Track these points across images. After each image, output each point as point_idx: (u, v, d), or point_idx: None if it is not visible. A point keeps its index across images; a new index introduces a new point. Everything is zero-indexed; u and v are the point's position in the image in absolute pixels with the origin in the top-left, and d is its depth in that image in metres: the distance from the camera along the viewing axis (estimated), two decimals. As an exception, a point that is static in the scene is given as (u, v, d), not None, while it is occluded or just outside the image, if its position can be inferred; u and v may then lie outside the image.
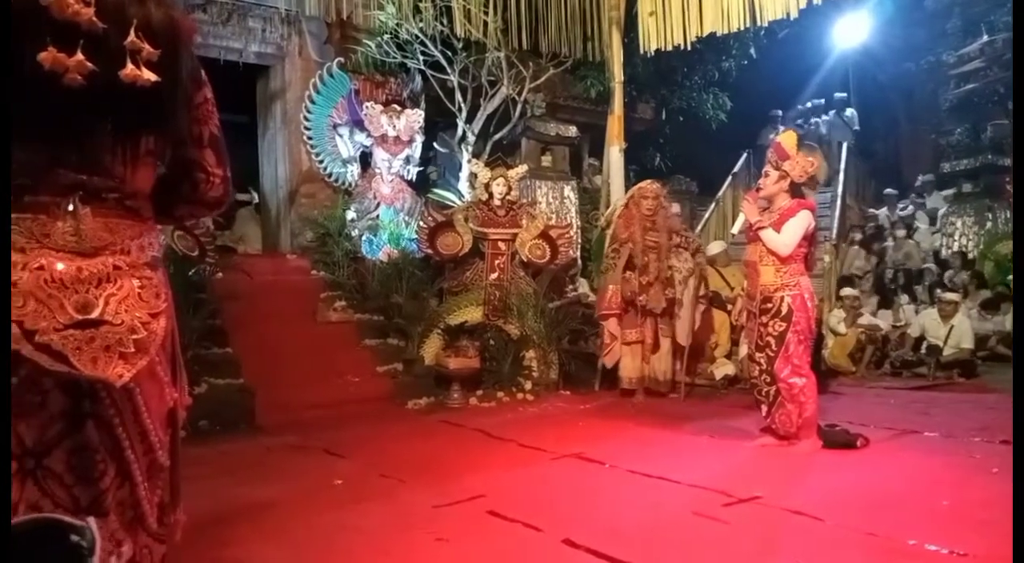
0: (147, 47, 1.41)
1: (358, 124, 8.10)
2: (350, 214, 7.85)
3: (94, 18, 1.35)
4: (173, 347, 1.60)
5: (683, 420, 5.19)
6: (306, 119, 8.15)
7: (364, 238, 7.73)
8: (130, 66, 1.39)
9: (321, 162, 8.22)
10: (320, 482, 3.72)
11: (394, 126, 8.02)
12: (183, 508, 1.66)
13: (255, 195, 8.85)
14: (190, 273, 6.01)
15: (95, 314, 1.37)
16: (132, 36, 1.39)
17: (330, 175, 8.25)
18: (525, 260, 7.16)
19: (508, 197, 7.20)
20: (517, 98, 8.82)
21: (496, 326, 6.78)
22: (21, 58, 1.30)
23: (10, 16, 1.29)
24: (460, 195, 8.49)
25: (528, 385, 6.52)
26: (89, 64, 1.33)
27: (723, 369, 6.70)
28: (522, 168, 7.63)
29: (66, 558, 0.95)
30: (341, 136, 8.19)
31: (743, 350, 5.52)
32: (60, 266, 1.37)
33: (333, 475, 3.84)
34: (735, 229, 4.77)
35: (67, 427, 1.38)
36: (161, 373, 1.53)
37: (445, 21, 7.93)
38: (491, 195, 7.17)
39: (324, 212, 8.00)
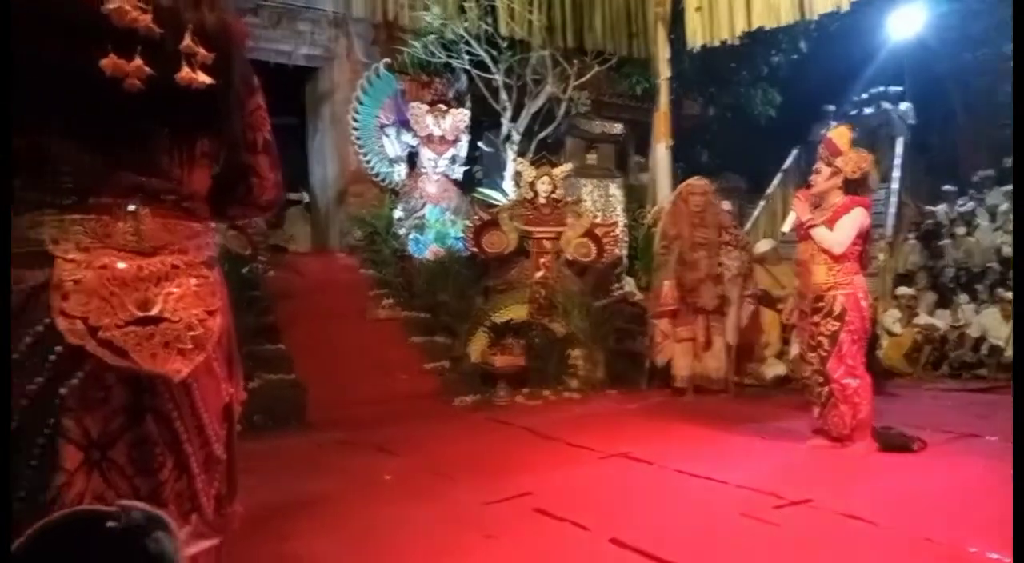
0: (201, 51, 1.44)
1: (404, 124, 8.19)
2: (397, 213, 7.93)
3: (151, 24, 1.39)
4: (229, 344, 1.63)
5: (733, 420, 5.12)
6: (354, 120, 8.26)
7: (411, 237, 7.81)
8: (185, 69, 1.43)
9: (368, 162, 8.32)
10: (371, 477, 3.78)
11: (439, 126, 8.08)
12: (239, 500, 1.70)
13: (305, 195, 9.01)
14: (243, 271, 6.15)
15: (154, 311, 1.41)
16: (187, 40, 1.43)
17: (377, 175, 8.35)
18: (570, 258, 7.14)
19: (553, 195, 7.20)
20: (562, 96, 8.80)
21: (541, 324, 6.78)
22: (83, 65, 1.34)
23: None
24: (505, 194, 8.51)
25: (574, 384, 6.51)
26: (147, 69, 1.38)
27: (773, 369, 6.59)
28: (567, 166, 7.62)
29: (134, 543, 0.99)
30: (388, 136, 8.28)
31: (794, 350, 5.42)
32: (121, 265, 1.40)
33: (383, 471, 3.89)
34: (786, 227, 4.69)
35: (128, 421, 1.41)
36: (217, 369, 1.56)
37: (490, 20, 7.96)
38: (536, 193, 7.17)
39: (371, 211, 8.09)
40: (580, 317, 6.73)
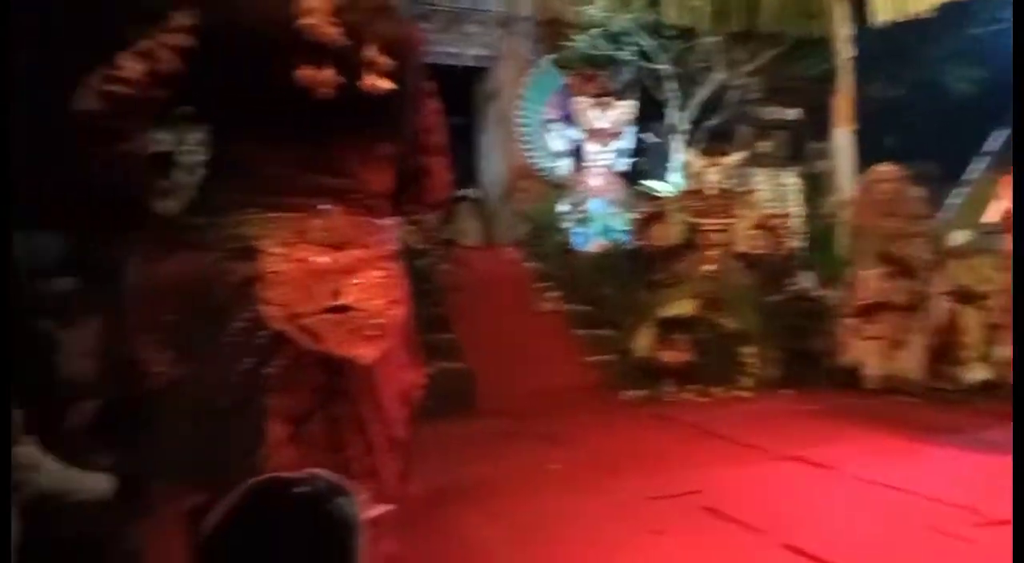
0: (383, 59, 1.54)
1: (569, 119, 8.23)
2: (562, 207, 8.00)
3: (340, 36, 1.50)
4: (410, 332, 1.74)
5: (925, 427, 4.69)
6: (519, 117, 8.42)
7: (575, 230, 7.85)
8: (369, 77, 1.53)
9: (533, 158, 8.45)
10: (536, 467, 3.85)
11: (604, 119, 8.05)
12: (416, 481, 1.80)
13: (474, 191, 9.33)
14: (418, 264, 6.46)
15: (344, 301, 1.52)
16: (371, 50, 1.53)
17: (542, 170, 8.46)
18: (741, 252, 6.87)
19: (723, 186, 6.96)
20: (732, 83, 8.46)
21: (710, 319, 6.58)
22: (280, 77, 1.47)
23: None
24: (672, 186, 8.34)
25: (745, 381, 6.26)
26: (337, 78, 1.49)
27: (975, 373, 5.96)
28: (737, 155, 7.33)
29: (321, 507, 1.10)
30: (553, 131, 8.37)
31: (1002, 352, 4.88)
32: (316, 258, 1.53)
33: (549, 461, 3.95)
34: (991, 216, 4.23)
35: (322, 400, 1.54)
36: (399, 356, 1.67)
37: (655, 9, 7.81)
38: (705, 184, 6.96)
39: (536, 206, 8.22)
40: (751, 313, 6.45)
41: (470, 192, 9.34)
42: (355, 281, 1.55)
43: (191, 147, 6.41)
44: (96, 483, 2.54)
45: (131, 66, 1.44)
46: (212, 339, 1.47)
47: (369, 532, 1.10)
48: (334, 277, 1.53)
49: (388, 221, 1.71)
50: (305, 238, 1.53)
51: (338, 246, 1.56)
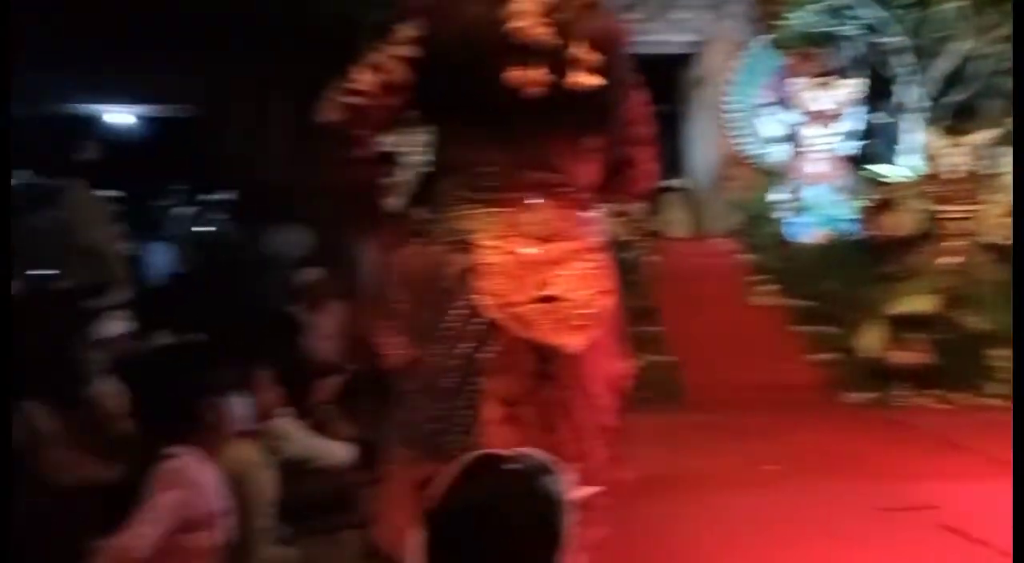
0: (591, 55, 1.58)
1: (784, 102, 7.80)
2: (776, 195, 7.61)
3: (549, 36, 1.56)
4: (617, 323, 1.76)
5: None
6: (729, 102, 8.11)
7: (791, 220, 7.43)
8: (576, 73, 1.57)
9: (744, 145, 8.12)
10: (748, 465, 3.72)
11: (824, 100, 7.54)
12: (625, 470, 1.82)
13: (682, 181, 9.14)
14: (624, 256, 6.47)
15: (553, 291, 1.57)
16: (579, 47, 1.57)
17: (753, 157, 8.10)
18: (990, 242, 6.12)
19: (966, 169, 6.24)
20: (979, 52, 7.51)
21: (952, 318, 5.93)
22: (493, 78, 1.54)
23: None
24: (903, 169, 7.60)
25: (993, 388, 5.58)
26: (546, 76, 1.55)
27: None
28: (984, 134, 6.53)
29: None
30: (765, 116, 7.98)
31: None
32: (527, 251, 1.60)
33: (762, 459, 3.80)
34: None
35: (534, 385, 1.61)
36: (607, 345, 1.70)
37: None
38: (947, 167, 6.29)
39: (747, 195, 7.89)
40: (1003, 311, 5.72)
41: (677, 182, 9.17)
42: (563, 272, 1.61)
43: (413, 148, 6.92)
44: (338, 451, 2.84)
45: (364, 78, 1.59)
46: (436, 325, 1.59)
47: (576, 513, 1.14)
48: (543, 268, 1.60)
49: (595, 213, 1.75)
50: (517, 231, 1.61)
51: (547, 238, 1.62)
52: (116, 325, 3.30)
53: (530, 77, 1.54)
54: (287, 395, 2.51)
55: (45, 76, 7.59)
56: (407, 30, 1.60)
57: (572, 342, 1.57)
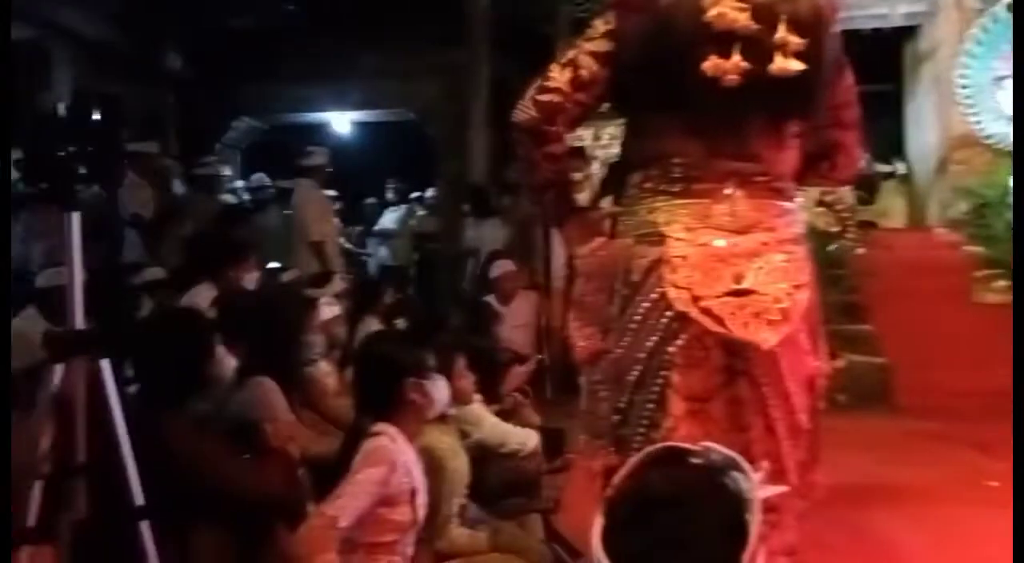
0: (794, 39, 1.51)
1: (1028, 74, 6.85)
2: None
3: (749, 22, 1.50)
4: (814, 318, 1.68)
5: None
6: (962, 77, 7.26)
7: (1029, 207, 6.53)
8: (778, 59, 1.50)
9: (978, 123, 7.23)
10: (966, 477, 3.39)
11: (1080, 68, 6.51)
12: (821, 472, 1.73)
13: (900, 166, 8.37)
14: (829, 249, 6.07)
15: (746, 284, 1.53)
16: (781, 31, 1.51)
17: (989, 137, 7.19)
18: None
19: None
20: None
21: None
22: (691, 68, 1.52)
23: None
24: None
25: None
26: (744, 64, 1.49)
27: None
28: None
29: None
30: (1006, 89, 7.05)
31: None
32: (719, 243, 1.57)
33: (982, 473, 3.43)
34: None
35: (723, 380, 1.57)
36: (802, 341, 1.62)
37: None
38: None
39: (980, 180, 7.03)
40: None
41: (895, 167, 8.41)
42: (758, 265, 1.56)
43: (605, 141, 6.92)
44: (525, 437, 2.94)
45: (557, 76, 1.63)
46: (624, 318, 1.60)
47: (765, 514, 1.10)
48: (736, 261, 1.56)
49: (793, 203, 1.67)
50: (709, 223, 1.58)
51: (741, 230, 1.58)
52: (332, 311, 3.64)
53: (727, 66, 1.51)
54: (479, 382, 2.63)
55: (275, 89, 8.53)
56: (601, 24, 1.63)
57: (765, 337, 1.52)
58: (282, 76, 8.35)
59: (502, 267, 5.48)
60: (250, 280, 3.87)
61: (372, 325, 3.99)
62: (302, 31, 8.06)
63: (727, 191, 1.58)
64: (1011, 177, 6.69)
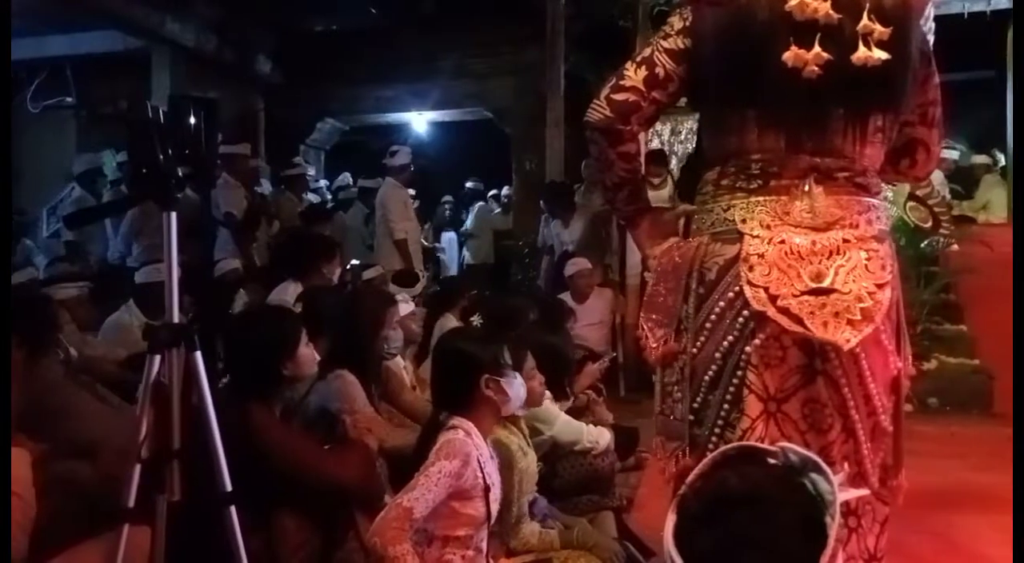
0: (878, 28, 1.45)
1: None
2: None
3: (830, 11, 1.46)
4: (898, 318, 1.62)
5: None
6: (1073, 58, 6.79)
7: None
8: (862, 49, 1.45)
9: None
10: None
11: None
12: (905, 476, 1.67)
13: (1001, 157, 7.91)
14: (922, 245, 5.80)
15: (826, 283, 1.48)
16: (865, 20, 1.45)
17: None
18: None
19: None
20: None
21: None
22: (770, 61, 1.49)
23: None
24: None
25: None
26: (825, 55, 1.45)
27: None
28: None
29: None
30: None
31: None
32: (797, 240, 1.52)
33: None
34: None
35: (801, 380, 1.53)
36: (885, 341, 1.57)
37: None
38: None
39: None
40: None
41: (995, 158, 7.95)
42: (839, 263, 1.51)
43: (684, 136, 6.81)
44: (597, 436, 2.94)
45: (633, 74, 1.62)
46: (700, 316, 1.58)
47: (845, 518, 1.08)
48: (816, 259, 1.51)
49: (877, 199, 1.62)
50: (787, 220, 1.54)
51: (822, 227, 1.53)
52: (408, 307, 3.72)
53: (807, 57, 1.47)
54: (549, 379, 2.65)
55: (357, 90, 8.76)
56: (677, 21, 1.61)
57: (846, 338, 1.46)
58: (364, 78, 8.57)
59: (577, 265, 5.49)
60: (334, 277, 4.00)
61: (450, 322, 4.06)
62: (382, 34, 8.24)
63: (806, 187, 1.54)
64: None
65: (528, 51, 7.59)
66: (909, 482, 1.68)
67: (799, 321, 1.47)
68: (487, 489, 1.94)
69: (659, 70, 1.60)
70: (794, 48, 1.46)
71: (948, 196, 6.25)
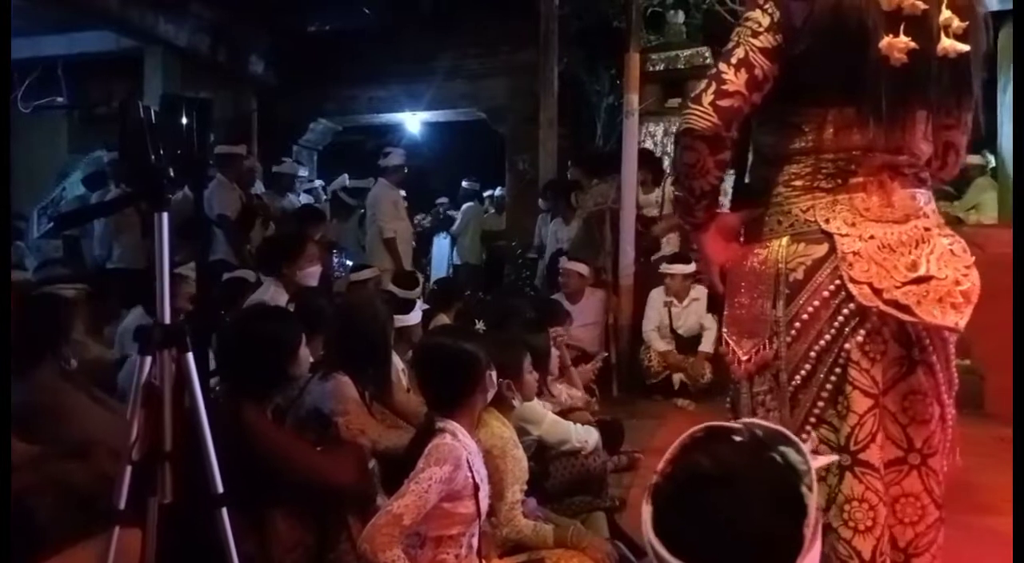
0: (956, 21, 1.49)
1: None
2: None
3: (916, 1, 1.48)
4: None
5: None
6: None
7: None
8: (945, 40, 1.48)
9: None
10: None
11: None
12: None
13: (991, 159, 7.95)
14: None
15: (922, 271, 1.49)
16: (947, 11, 1.49)
17: (1092, 124, 6.74)
18: None
19: None
20: None
21: None
22: (857, 55, 1.50)
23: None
24: None
25: None
26: (912, 44, 1.47)
27: None
28: None
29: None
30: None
31: None
32: (885, 234, 1.53)
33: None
34: None
35: (900, 372, 1.55)
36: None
37: None
38: None
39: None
40: None
41: (986, 160, 7.99)
42: (927, 250, 1.52)
43: (675, 139, 6.80)
44: (587, 435, 2.94)
45: (734, 78, 1.56)
46: (789, 318, 1.56)
47: (818, 484, 1.08)
48: (906, 250, 1.52)
49: (929, 192, 1.65)
50: (868, 216, 1.55)
51: (900, 220, 1.56)
52: (418, 315, 3.71)
53: (901, 44, 1.48)
54: (543, 378, 2.65)
55: (351, 91, 8.75)
56: (762, 17, 1.57)
57: (955, 321, 1.48)
58: (357, 78, 8.57)
59: (570, 265, 5.49)
60: (310, 276, 3.94)
61: (443, 322, 4.06)
62: (376, 34, 8.24)
63: (881, 183, 1.57)
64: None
65: (522, 51, 7.61)
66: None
67: (908, 311, 1.47)
68: (477, 488, 1.95)
69: (758, 71, 1.56)
70: (889, 37, 1.48)
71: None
